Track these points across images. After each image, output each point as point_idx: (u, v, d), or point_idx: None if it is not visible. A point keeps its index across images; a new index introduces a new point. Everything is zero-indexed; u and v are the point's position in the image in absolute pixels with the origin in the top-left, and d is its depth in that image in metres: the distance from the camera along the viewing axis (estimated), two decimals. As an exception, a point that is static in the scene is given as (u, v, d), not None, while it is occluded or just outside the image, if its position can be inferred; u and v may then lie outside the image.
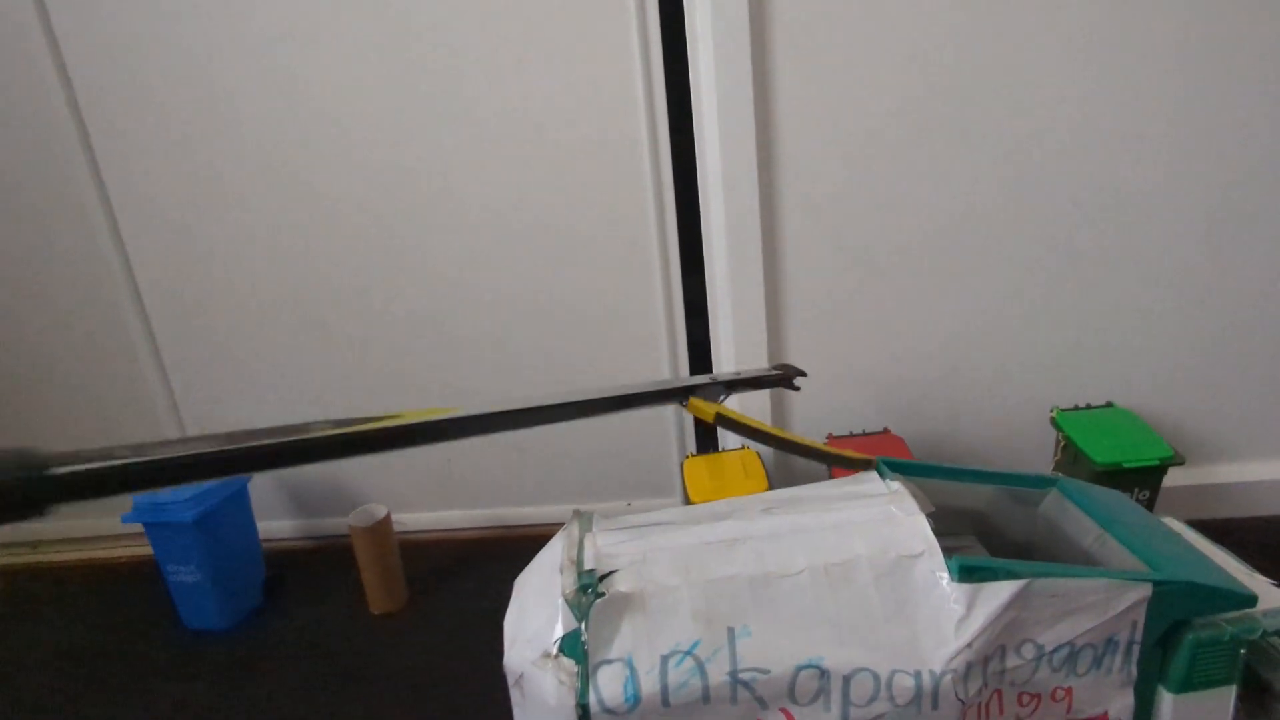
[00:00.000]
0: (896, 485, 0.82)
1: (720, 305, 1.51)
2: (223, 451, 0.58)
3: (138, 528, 1.45)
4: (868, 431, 1.51)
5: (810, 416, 1.57)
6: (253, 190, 1.53)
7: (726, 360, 1.54)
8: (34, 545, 1.84)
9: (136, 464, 0.52)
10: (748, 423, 0.92)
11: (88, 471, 0.50)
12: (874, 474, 0.88)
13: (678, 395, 0.89)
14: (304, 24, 1.42)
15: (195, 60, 1.46)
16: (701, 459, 1.47)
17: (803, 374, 1.01)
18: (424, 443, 0.72)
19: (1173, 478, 1.32)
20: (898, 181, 1.40)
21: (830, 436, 1.50)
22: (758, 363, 1.50)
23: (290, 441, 0.63)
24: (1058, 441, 1.42)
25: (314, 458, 0.64)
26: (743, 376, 0.97)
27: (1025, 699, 0.73)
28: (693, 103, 1.41)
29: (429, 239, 1.54)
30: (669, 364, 1.58)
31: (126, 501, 1.45)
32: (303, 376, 1.66)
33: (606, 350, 1.59)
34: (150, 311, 1.65)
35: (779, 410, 1.57)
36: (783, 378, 1.01)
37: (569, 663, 0.66)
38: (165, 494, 1.45)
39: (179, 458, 0.56)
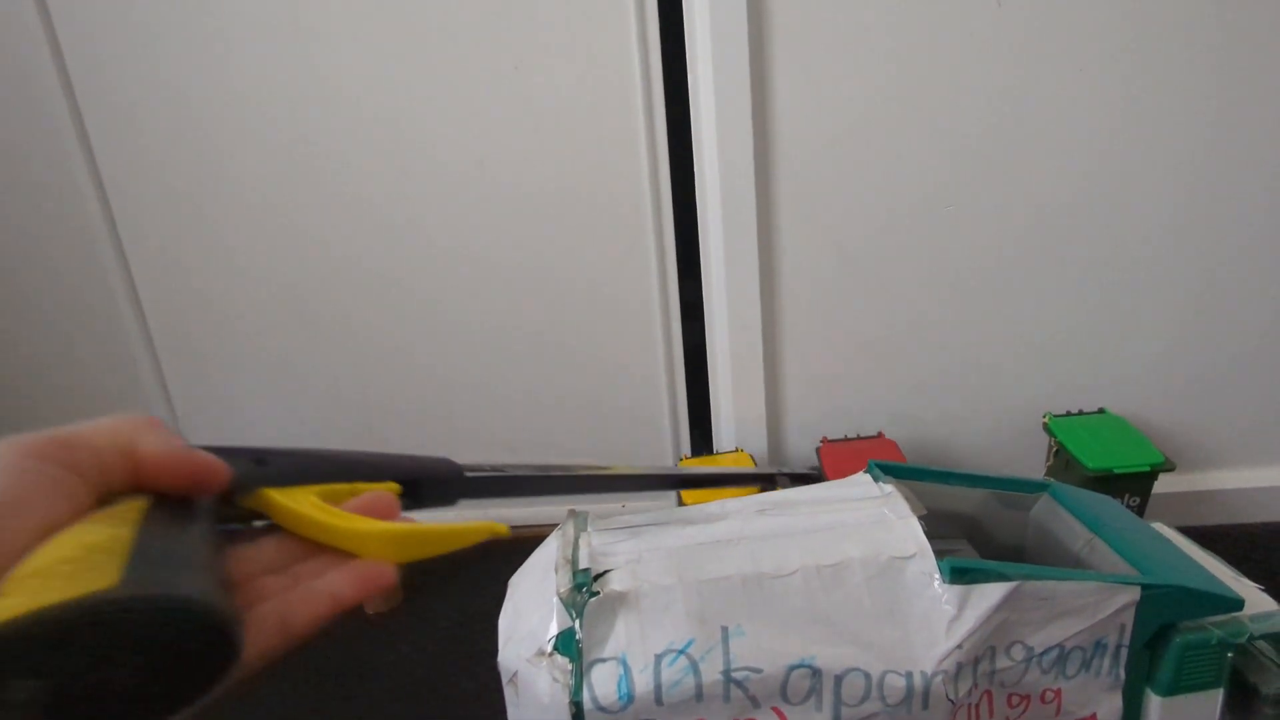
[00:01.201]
0: (889, 488, 0.83)
1: (716, 306, 1.52)
2: (587, 475, 0.75)
3: (131, 525, 1.46)
4: (862, 435, 1.52)
5: (805, 420, 1.58)
6: (251, 179, 1.54)
7: (723, 363, 1.54)
8: (26, 542, 1.83)
9: (528, 475, 0.67)
10: None
11: (489, 477, 0.64)
12: (867, 477, 0.88)
13: (764, 481, 1.11)
14: (306, 17, 1.42)
15: (193, 47, 1.46)
16: (695, 461, 1.48)
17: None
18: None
19: (1163, 484, 1.33)
20: (894, 186, 1.41)
21: (825, 440, 1.51)
22: (753, 367, 1.51)
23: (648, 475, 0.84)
24: (1050, 446, 1.43)
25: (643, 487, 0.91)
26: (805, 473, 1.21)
27: (1015, 700, 0.74)
28: (691, 103, 1.42)
29: (428, 226, 1.55)
30: (664, 364, 1.59)
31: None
32: (298, 365, 1.66)
33: (604, 346, 1.60)
34: (146, 310, 1.65)
35: (773, 415, 1.57)
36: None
37: (563, 661, 0.67)
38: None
39: (558, 476, 0.70)
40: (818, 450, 1.47)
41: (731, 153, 1.38)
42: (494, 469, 0.66)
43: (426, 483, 0.59)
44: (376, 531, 0.45)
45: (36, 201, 1.58)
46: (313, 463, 0.49)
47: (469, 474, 0.63)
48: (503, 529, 0.51)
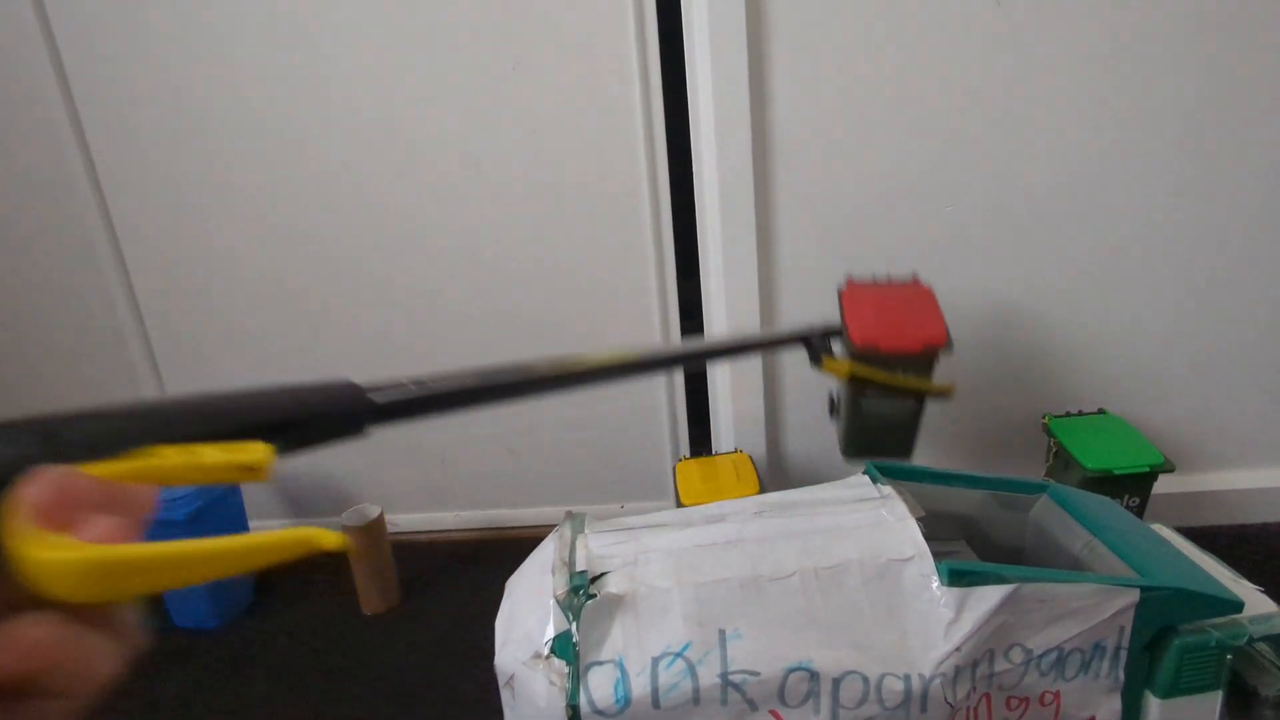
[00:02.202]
0: (888, 489, 0.83)
1: (715, 306, 1.51)
2: (501, 379, 0.63)
3: (129, 526, 1.45)
4: (893, 279, 1.19)
5: (804, 420, 1.58)
6: (248, 176, 1.53)
7: (721, 367, 1.54)
8: (24, 543, 1.83)
9: (442, 391, 0.58)
10: (879, 378, 0.99)
11: (403, 399, 0.55)
12: (865, 478, 0.88)
13: (795, 343, 0.98)
14: (304, 16, 1.42)
15: (191, 44, 1.46)
16: (694, 462, 1.48)
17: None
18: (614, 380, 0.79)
19: (1163, 485, 1.33)
20: (893, 187, 1.41)
21: (850, 281, 1.17)
22: (752, 366, 1.51)
23: (566, 374, 0.70)
24: (1049, 447, 1.43)
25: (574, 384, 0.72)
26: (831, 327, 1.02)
27: (1013, 703, 0.74)
28: (690, 104, 1.41)
29: (425, 226, 1.54)
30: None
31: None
32: (295, 359, 1.66)
33: (604, 346, 1.59)
34: (150, 331, 1.65)
35: (773, 415, 1.57)
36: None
37: (560, 664, 0.66)
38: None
39: (474, 387, 0.61)
40: (840, 292, 1.11)
41: (730, 154, 1.38)
42: (415, 382, 0.57)
43: (315, 420, 0.48)
44: (61, 562, 0.26)
45: (33, 198, 1.58)
46: (126, 423, 0.37)
47: (375, 396, 0.52)
48: (330, 539, 0.31)
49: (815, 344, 0.97)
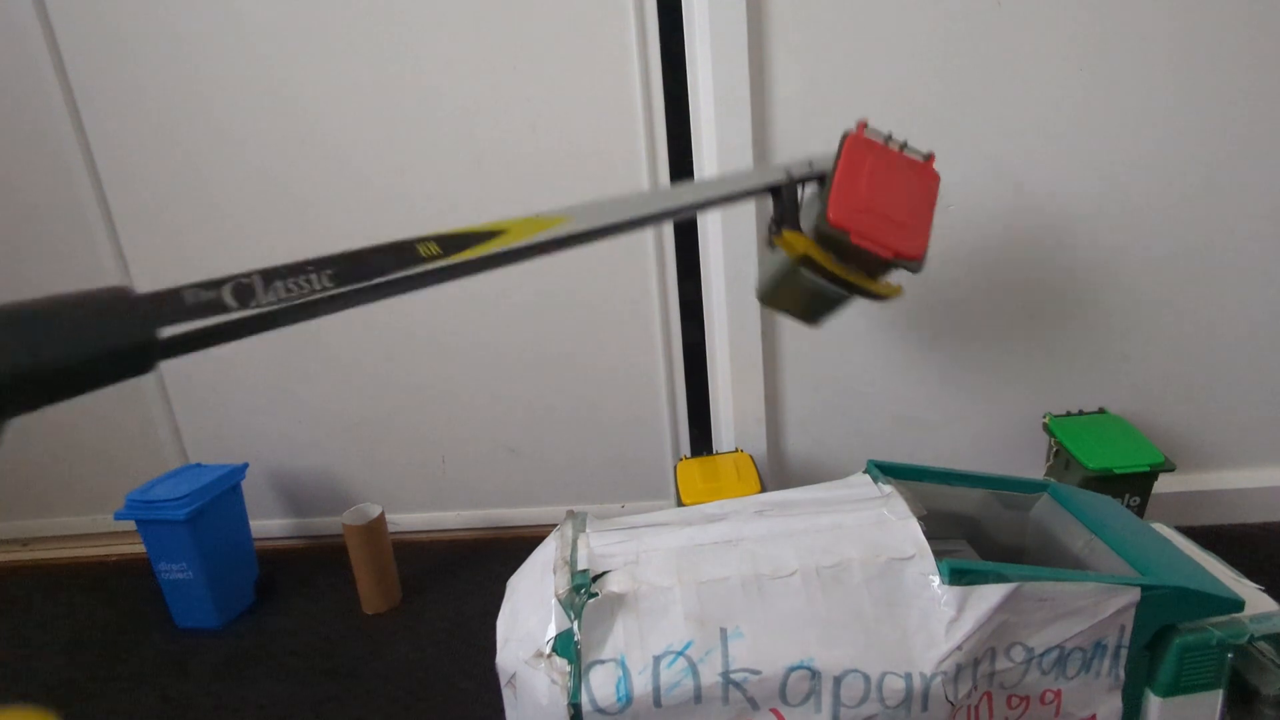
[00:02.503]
0: (889, 489, 0.83)
1: (715, 306, 1.51)
2: (326, 292, 0.55)
3: (129, 525, 1.45)
4: (907, 147, 1.00)
5: (804, 420, 1.58)
6: (250, 177, 1.54)
7: (722, 363, 1.54)
8: (25, 543, 1.84)
9: (241, 319, 0.51)
10: (834, 269, 0.89)
11: (196, 331, 0.47)
12: (866, 477, 0.88)
13: (766, 193, 0.89)
14: (307, 16, 1.42)
15: (192, 43, 1.46)
16: (694, 461, 1.48)
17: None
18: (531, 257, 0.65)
19: (1163, 484, 1.33)
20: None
21: (861, 125, 0.99)
22: (752, 367, 1.51)
23: (403, 277, 0.59)
24: (1050, 446, 1.43)
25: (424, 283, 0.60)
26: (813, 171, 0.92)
27: (1014, 701, 0.74)
28: (690, 104, 1.41)
29: (425, 225, 1.54)
30: (663, 363, 1.58)
31: (119, 500, 1.45)
32: (296, 356, 1.66)
33: (604, 346, 1.59)
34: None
35: (773, 414, 1.57)
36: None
37: (561, 662, 0.66)
38: (158, 490, 1.45)
39: (285, 307, 0.53)
40: (845, 138, 0.95)
41: (731, 152, 1.38)
42: (205, 285, 0.47)
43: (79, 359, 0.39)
44: None
45: (33, 196, 1.58)
46: None
47: (161, 328, 0.44)
48: None
49: (784, 197, 0.87)
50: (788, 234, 0.88)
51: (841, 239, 0.89)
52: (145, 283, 1.60)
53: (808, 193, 0.94)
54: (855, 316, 1.49)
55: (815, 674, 0.67)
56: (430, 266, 0.59)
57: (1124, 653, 0.74)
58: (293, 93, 1.47)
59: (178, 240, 1.58)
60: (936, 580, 0.70)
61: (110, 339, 0.39)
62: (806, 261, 0.90)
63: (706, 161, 1.42)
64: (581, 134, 1.45)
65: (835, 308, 1.00)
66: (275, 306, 0.51)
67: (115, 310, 0.40)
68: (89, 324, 0.38)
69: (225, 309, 0.47)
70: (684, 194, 0.86)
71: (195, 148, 1.52)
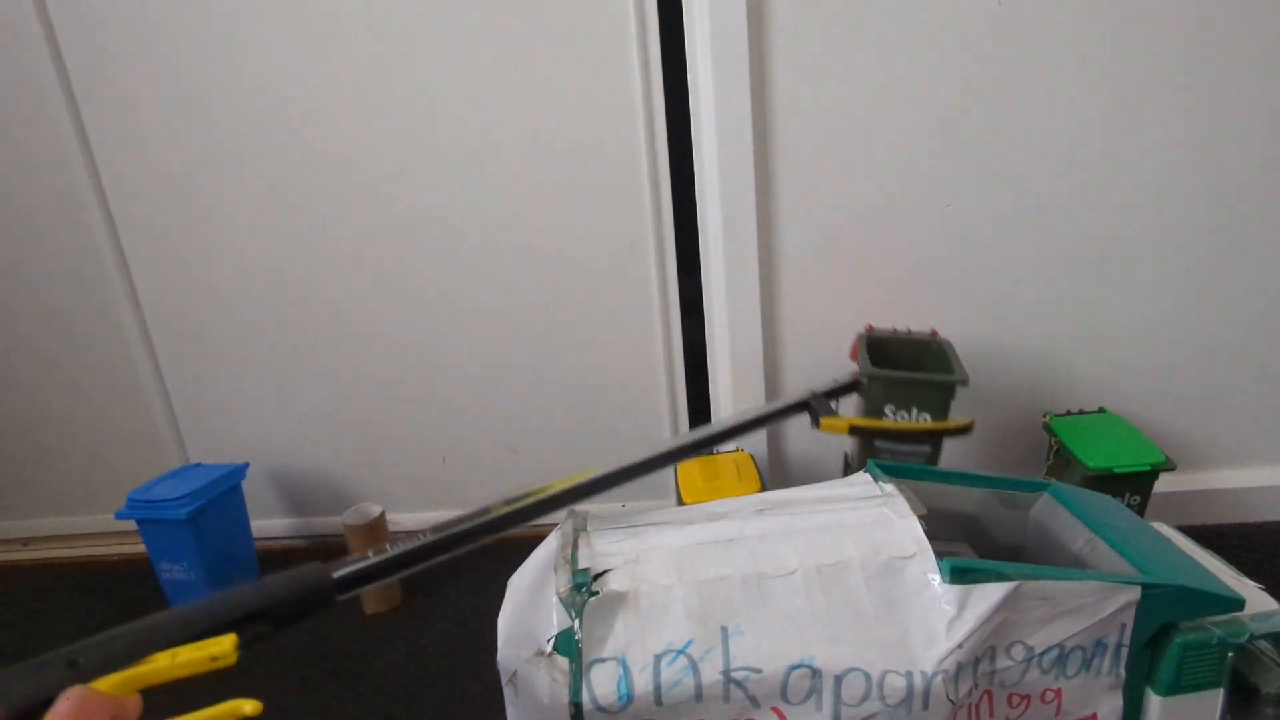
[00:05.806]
0: (889, 488, 0.83)
1: (716, 304, 1.51)
2: (458, 531, 0.72)
3: (130, 525, 1.45)
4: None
5: (804, 419, 1.57)
6: (251, 176, 1.54)
7: (723, 361, 1.54)
8: (25, 542, 1.83)
9: (395, 555, 0.68)
10: (883, 426, 1.05)
11: (364, 569, 0.65)
12: (867, 476, 0.88)
13: (797, 410, 1.03)
14: (307, 16, 1.42)
15: (194, 42, 1.46)
16: (695, 461, 1.48)
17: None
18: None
19: (1164, 483, 1.33)
20: (894, 186, 1.41)
21: (869, 327, 1.39)
22: (753, 366, 1.51)
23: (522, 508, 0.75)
24: (1050, 446, 1.43)
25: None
26: (838, 384, 1.10)
27: (1015, 700, 0.74)
28: (691, 103, 1.42)
29: (427, 225, 1.54)
30: (664, 362, 1.59)
31: (119, 499, 1.45)
32: (296, 354, 1.66)
33: (604, 345, 1.59)
34: (151, 328, 1.66)
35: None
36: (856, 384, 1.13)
37: (562, 661, 0.66)
38: (158, 489, 1.45)
39: (429, 544, 0.71)
40: (858, 339, 1.31)
41: (731, 152, 1.38)
42: (376, 551, 0.67)
43: (282, 605, 0.59)
44: None
45: (34, 195, 1.58)
46: (128, 642, 0.50)
47: (337, 573, 0.63)
48: (250, 706, 0.50)
49: (815, 406, 1.01)
50: (824, 422, 1.01)
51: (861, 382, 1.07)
52: (145, 282, 1.61)
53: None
54: (855, 317, 1.49)
55: (816, 672, 0.67)
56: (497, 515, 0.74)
57: (1124, 651, 0.74)
58: (293, 93, 1.47)
59: (178, 241, 1.58)
60: (937, 579, 0.70)
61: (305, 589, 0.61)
62: (856, 431, 1.05)
63: (707, 161, 1.42)
64: (582, 135, 1.45)
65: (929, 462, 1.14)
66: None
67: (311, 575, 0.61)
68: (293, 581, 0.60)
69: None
70: (711, 431, 0.96)
71: (195, 148, 1.52)
